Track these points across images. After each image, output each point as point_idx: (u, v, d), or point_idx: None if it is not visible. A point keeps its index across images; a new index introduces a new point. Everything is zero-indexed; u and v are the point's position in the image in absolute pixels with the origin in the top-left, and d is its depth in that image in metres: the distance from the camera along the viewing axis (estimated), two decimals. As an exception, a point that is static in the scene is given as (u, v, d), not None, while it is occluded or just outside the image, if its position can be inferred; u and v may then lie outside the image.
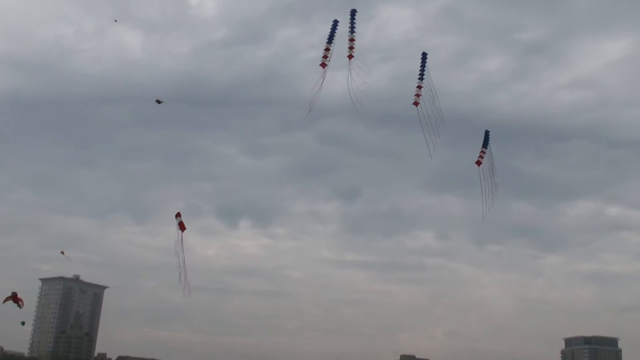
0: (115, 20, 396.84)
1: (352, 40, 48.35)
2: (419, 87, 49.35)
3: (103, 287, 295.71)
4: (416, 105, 48.73)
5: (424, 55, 50.16)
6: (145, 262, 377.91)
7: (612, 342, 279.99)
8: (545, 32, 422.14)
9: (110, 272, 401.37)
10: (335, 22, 48.94)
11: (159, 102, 64.04)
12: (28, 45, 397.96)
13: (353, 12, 49.30)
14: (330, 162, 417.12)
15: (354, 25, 48.94)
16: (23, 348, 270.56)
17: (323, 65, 47.86)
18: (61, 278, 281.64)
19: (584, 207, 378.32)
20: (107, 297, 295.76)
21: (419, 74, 49.89)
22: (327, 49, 48.07)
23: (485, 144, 51.54)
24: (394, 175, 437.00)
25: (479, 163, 50.15)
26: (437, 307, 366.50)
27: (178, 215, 47.96)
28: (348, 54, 48.05)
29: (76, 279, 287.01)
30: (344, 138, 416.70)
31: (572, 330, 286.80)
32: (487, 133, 52.23)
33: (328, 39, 48.44)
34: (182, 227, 47.50)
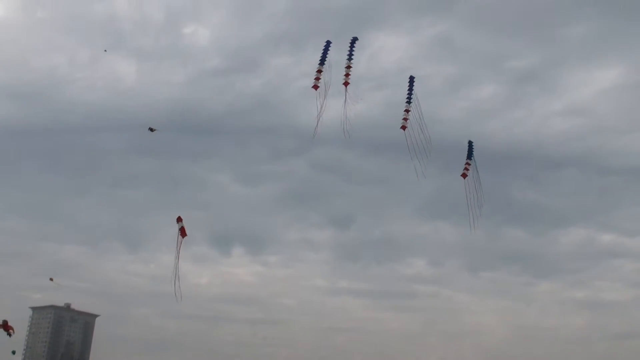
0: (105, 50, 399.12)
1: (348, 67, 48.25)
2: (407, 111, 49.19)
3: (94, 316, 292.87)
4: (404, 130, 48.64)
5: (411, 79, 49.99)
6: (137, 290, 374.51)
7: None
8: (538, 60, 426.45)
9: (102, 300, 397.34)
10: (328, 43, 48.82)
11: (152, 130, 64.03)
12: (22, 75, 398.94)
13: (354, 40, 49.20)
14: (324, 189, 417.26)
15: (352, 52, 48.89)
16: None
17: (315, 87, 47.62)
18: (52, 306, 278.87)
19: (577, 235, 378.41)
20: (99, 326, 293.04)
21: (407, 98, 49.73)
22: (319, 71, 47.83)
23: (470, 155, 51.26)
24: (387, 202, 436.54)
25: (464, 175, 49.97)
26: (430, 335, 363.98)
27: (179, 220, 47.16)
28: (344, 81, 47.94)
29: (67, 307, 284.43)
30: (337, 166, 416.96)
31: (566, 358, 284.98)
32: (470, 144, 51.90)
33: (320, 60, 48.28)
34: (182, 233, 46.78)
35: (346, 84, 48.14)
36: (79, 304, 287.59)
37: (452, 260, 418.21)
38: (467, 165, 50.61)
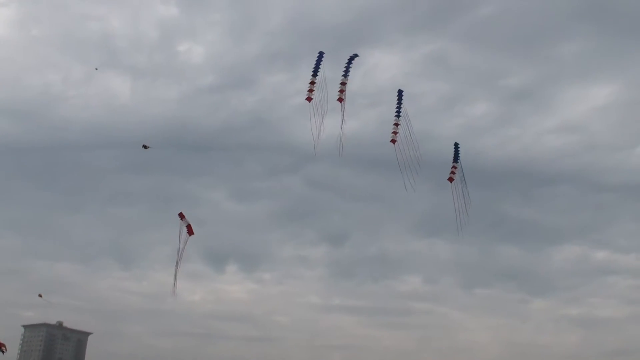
0: (96, 69, 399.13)
1: (343, 83, 48.04)
2: (396, 124, 49.09)
3: (87, 334, 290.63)
4: (393, 143, 48.57)
5: (400, 93, 49.93)
6: (130, 307, 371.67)
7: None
8: (531, 78, 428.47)
9: (95, 318, 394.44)
10: (321, 54, 48.53)
11: (145, 147, 63.85)
12: (16, 92, 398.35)
13: (352, 57, 48.89)
14: (318, 206, 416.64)
15: (349, 69, 48.67)
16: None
17: (309, 99, 47.26)
18: (44, 324, 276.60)
19: (571, 252, 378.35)
20: (91, 344, 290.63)
21: (396, 112, 49.60)
22: (312, 82, 47.43)
23: (456, 158, 50.98)
24: (382, 219, 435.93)
25: (450, 179, 49.77)
26: (425, 352, 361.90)
27: (182, 216, 46.34)
28: (338, 97, 47.67)
29: (59, 325, 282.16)
30: (331, 182, 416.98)
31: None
32: (456, 146, 51.64)
33: (313, 71, 47.88)
34: (190, 231, 46.06)
35: (340, 99, 47.84)
36: (71, 322, 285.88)
37: (447, 277, 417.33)
38: (453, 169, 50.38)
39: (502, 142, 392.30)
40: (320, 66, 48.15)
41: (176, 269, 46.70)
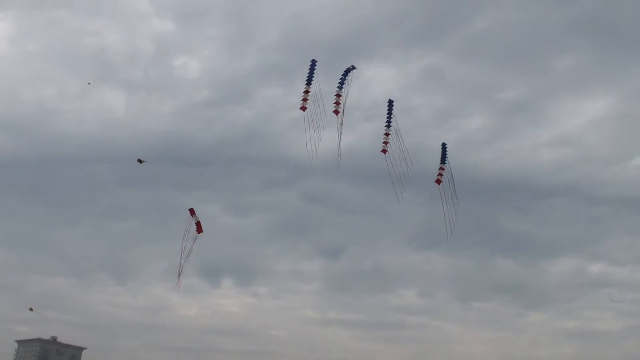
0: (89, 83, 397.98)
1: (338, 95, 47.52)
2: (387, 134, 48.70)
3: (81, 349, 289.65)
4: (384, 153, 48.24)
5: (390, 103, 49.64)
6: (125, 322, 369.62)
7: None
8: (526, 91, 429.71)
9: (89, 332, 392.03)
10: (314, 62, 47.94)
11: (140, 161, 63.73)
12: (11, 107, 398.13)
13: (349, 69, 48.41)
14: (314, 220, 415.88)
15: (344, 81, 48.09)
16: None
17: (303, 108, 46.87)
18: (38, 339, 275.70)
19: (566, 264, 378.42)
20: (85, 359, 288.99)
21: (386, 122, 49.23)
22: (306, 92, 47.02)
23: (443, 159, 50.45)
24: (378, 233, 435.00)
25: (438, 181, 49.23)
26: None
27: (192, 212, 45.70)
28: (334, 109, 47.16)
29: (53, 340, 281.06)
30: (327, 196, 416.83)
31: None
32: (444, 146, 51.16)
33: (307, 80, 47.39)
34: (199, 229, 45.42)
35: (336, 112, 47.42)
36: (65, 337, 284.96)
37: (443, 291, 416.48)
38: (440, 171, 49.82)
39: (497, 156, 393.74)
40: (313, 75, 47.68)
41: (180, 263, 46.29)
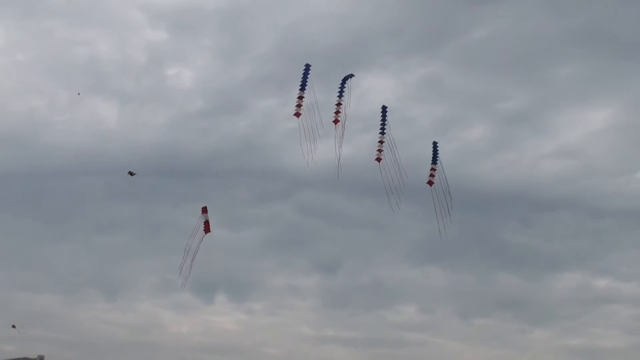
0: (79, 94, 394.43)
1: (339, 104, 46.64)
2: (380, 142, 47.61)
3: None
4: (379, 161, 47.24)
5: (384, 109, 48.63)
6: (114, 340, 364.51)
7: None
8: (528, 101, 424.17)
9: (78, 351, 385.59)
10: (307, 67, 46.94)
11: (131, 174, 62.74)
12: (0, 118, 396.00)
13: (347, 77, 47.50)
14: (310, 234, 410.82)
15: (344, 90, 47.20)
16: None
17: (297, 114, 45.78)
18: (24, 359, 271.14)
19: (571, 279, 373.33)
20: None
21: (380, 129, 48.18)
22: (300, 97, 45.93)
23: (435, 159, 49.49)
24: (376, 247, 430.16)
25: (430, 183, 48.22)
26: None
27: (205, 210, 44.87)
28: (334, 118, 46.41)
29: (40, 359, 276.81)
30: (324, 209, 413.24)
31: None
32: (435, 145, 50.13)
33: (301, 85, 46.37)
34: (207, 228, 44.58)
35: (336, 121, 46.52)
36: (53, 356, 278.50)
37: (443, 307, 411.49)
38: (432, 171, 48.76)
39: (498, 167, 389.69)
40: (307, 79, 46.65)
41: (183, 260, 45.37)
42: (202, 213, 46.23)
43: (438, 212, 47.62)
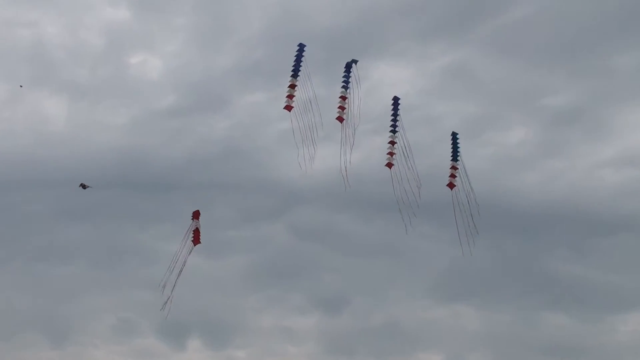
0: (21, 86, 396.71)
1: (343, 98, 45.63)
2: (392, 142, 46.81)
3: None
4: (390, 167, 46.61)
5: (395, 101, 47.87)
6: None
7: None
8: (580, 96, 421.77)
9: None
10: (302, 47, 45.67)
11: (83, 186, 62.84)
12: None
13: (350, 64, 46.45)
14: (308, 262, 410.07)
15: (349, 80, 46.08)
16: None
17: (288, 107, 44.44)
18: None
19: (638, 321, 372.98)
20: None
21: (391, 126, 47.44)
22: (292, 86, 44.60)
23: (455, 155, 48.69)
24: (391, 279, 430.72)
25: (451, 185, 47.41)
26: None
27: (196, 216, 44.84)
28: (338, 115, 45.30)
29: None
30: (325, 231, 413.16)
31: None
32: (454, 137, 49.28)
33: (293, 71, 45.07)
34: (196, 238, 44.62)
35: (340, 119, 45.76)
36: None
37: (476, 354, 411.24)
38: (453, 171, 47.95)
39: (544, 178, 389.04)
40: (301, 63, 45.81)
41: (172, 265, 45.39)
42: (193, 219, 46.09)
43: (460, 226, 46.80)
